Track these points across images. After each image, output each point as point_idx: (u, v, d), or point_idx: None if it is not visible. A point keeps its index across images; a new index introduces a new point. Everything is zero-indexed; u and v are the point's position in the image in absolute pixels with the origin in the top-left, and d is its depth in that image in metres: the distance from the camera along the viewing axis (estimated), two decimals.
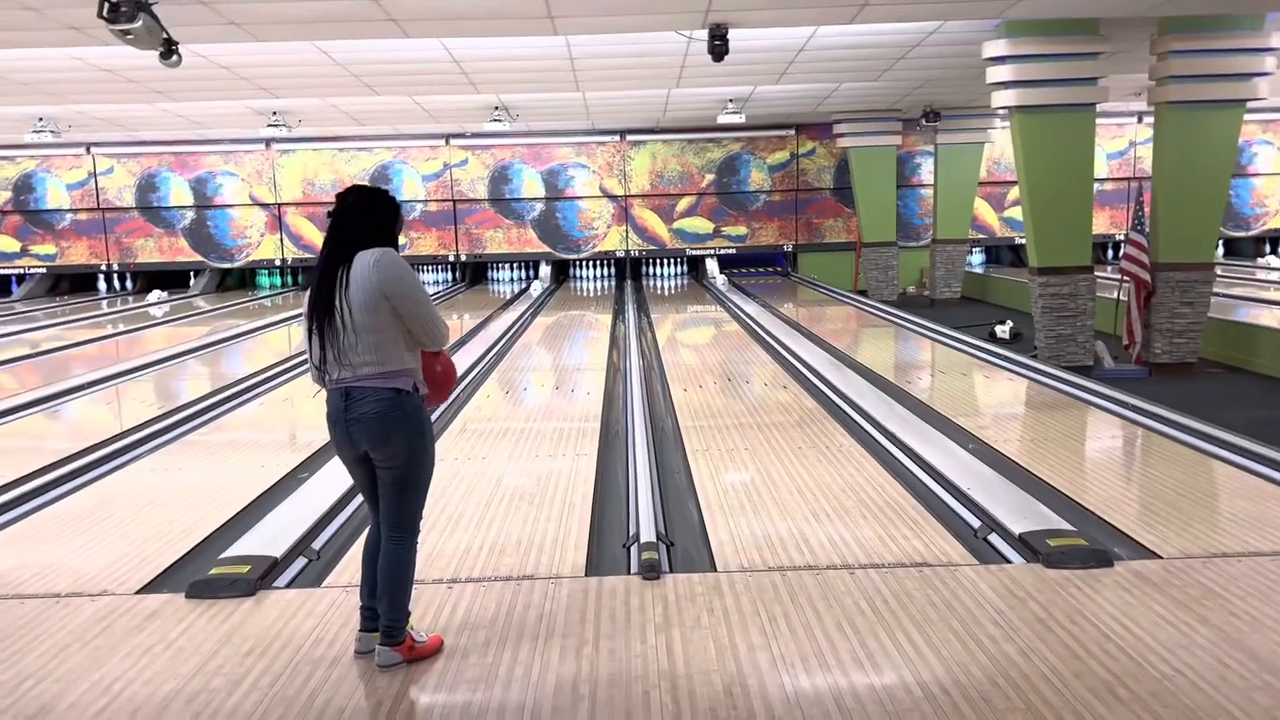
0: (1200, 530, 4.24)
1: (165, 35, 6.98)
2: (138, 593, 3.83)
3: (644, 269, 18.57)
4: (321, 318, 3.02)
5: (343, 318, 3.00)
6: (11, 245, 17.77)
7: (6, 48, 8.50)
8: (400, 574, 3.14)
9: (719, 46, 8.20)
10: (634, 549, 4.15)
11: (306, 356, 3.16)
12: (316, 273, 3.09)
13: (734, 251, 18.25)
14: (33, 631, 3.49)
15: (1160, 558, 3.92)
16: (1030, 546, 3.98)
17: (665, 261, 18.60)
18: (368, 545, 3.26)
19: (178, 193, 17.63)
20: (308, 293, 3.12)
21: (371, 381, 3.03)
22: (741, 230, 18.11)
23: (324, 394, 3.17)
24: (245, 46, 8.62)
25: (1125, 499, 4.88)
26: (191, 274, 18.25)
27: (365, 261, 3.02)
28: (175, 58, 7.34)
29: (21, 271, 17.97)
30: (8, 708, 2.95)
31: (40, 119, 13.42)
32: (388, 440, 3.05)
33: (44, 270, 17.95)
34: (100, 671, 3.16)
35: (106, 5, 6.42)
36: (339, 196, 3.15)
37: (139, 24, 6.51)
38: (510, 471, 5.52)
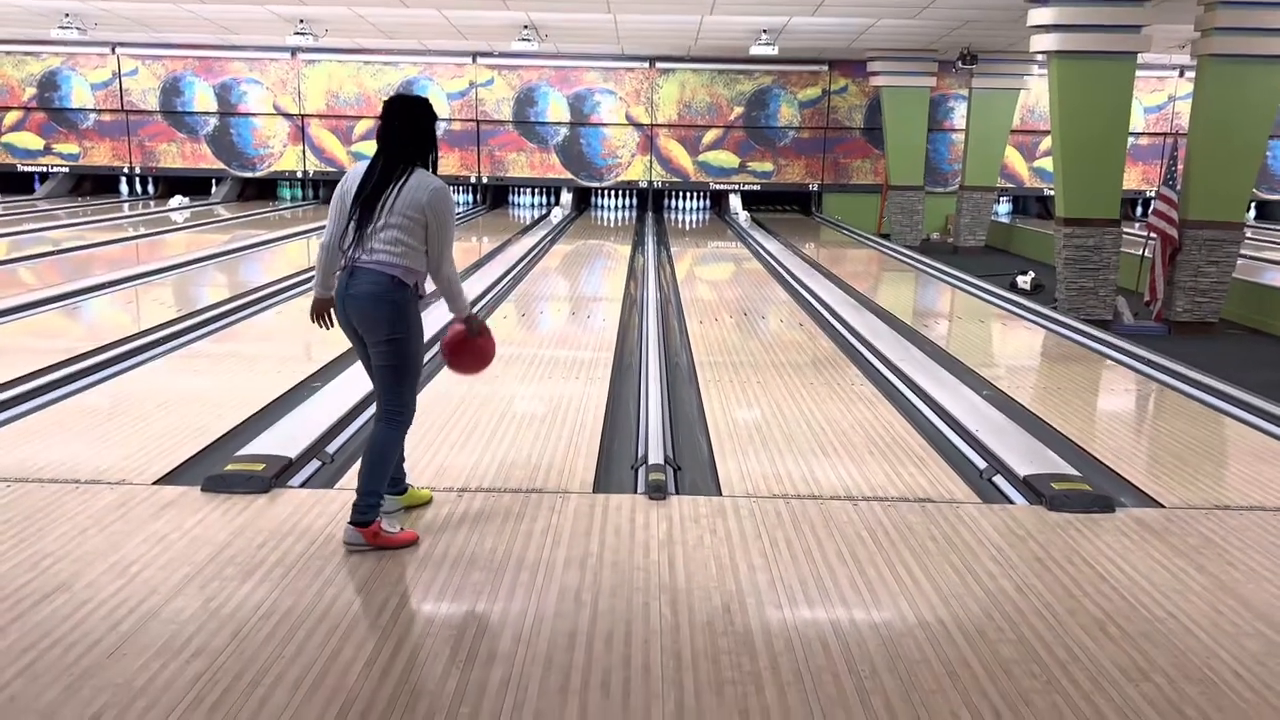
0: (1205, 483, 4.26)
1: None
2: (155, 483, 3.92)
3: (666, 201, 18.41)
4: (368, 205, 3.28)
5: (383, 209, 3.26)
6: (35, 143, 17.75)
7: None
8: (384, 452, 3.36)
9: None
10: (641, 470, 4.20)
11: (329, 231, 3.38)
12: (372, 168, 3.33)
13: (759, 188, 18.07)
14: (53, 514, 3.58)
15: (1163, 507, 3.95)
16: (1034, 489, 4.01)
17: (688, 195, 18.43)
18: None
19: (202, 98, 17.52)
20: (349, 179, 3.37)
21: (377, 265, 3.26)
22: (768, 166, 17.90)
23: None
24: None
25: (1134, 450, 4.89)
26: (213, 181, 18.23)
27: (423, 182, 3.30)
28: None
29: (45, 169, 17.98)
30: (28, 583, 3.05)
31: (66, 15, 13.30)
32: (376, 320, 3.28)
33: (67, 170, 17.95)
34: (118, 554, 3.25)
35: None
36: (388, 103, 3.40)
37: None
38: (522, 394, 5.56)
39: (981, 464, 4.46)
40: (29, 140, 17.75)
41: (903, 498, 3.96)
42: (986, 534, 3.60)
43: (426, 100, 3.43)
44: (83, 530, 3.44)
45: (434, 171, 3.39)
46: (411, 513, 3.65)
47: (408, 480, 3.71)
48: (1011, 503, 4.00)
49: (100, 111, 17.59)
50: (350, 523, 3.32)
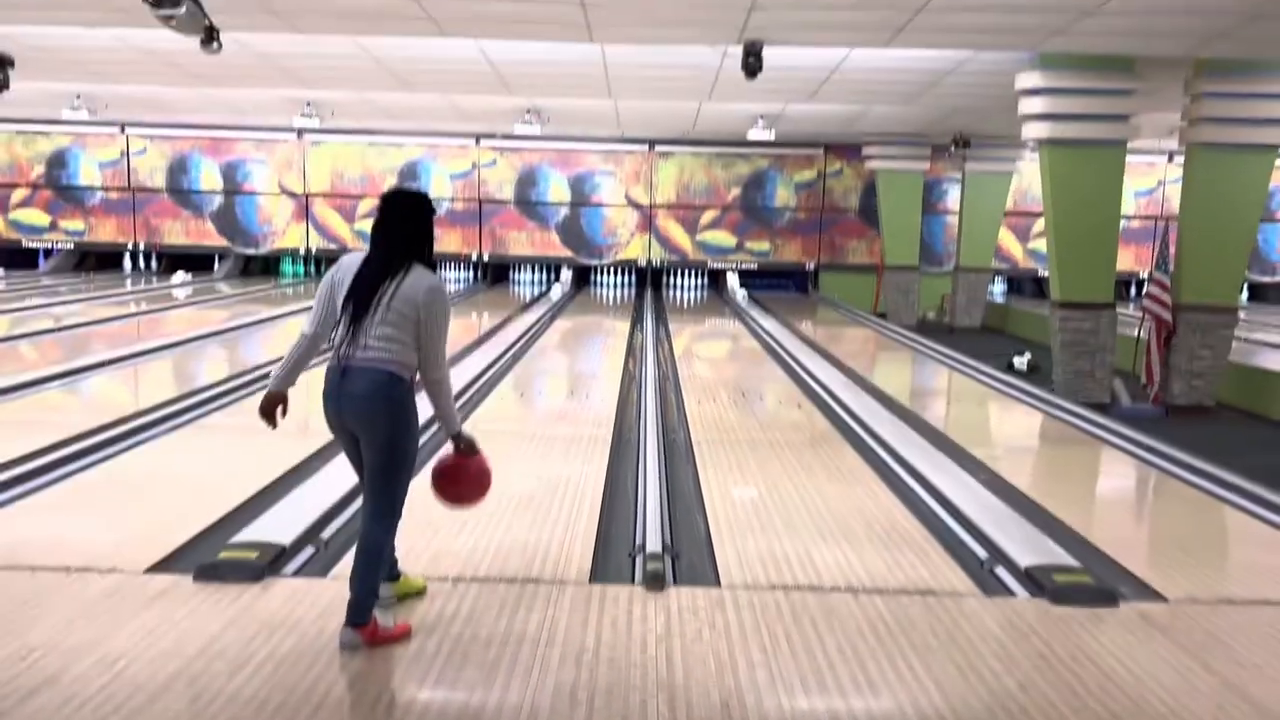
0: (1209, 575, 4.22)
1: (208, 22, 7.07)
2: (146, 571, 3.87)
3: (665, 279, 18.60)
4: (363, 300, 3.22)
5: (378, 305, 3.21)
6: (42, 219, 17.97)
7: (52, 24, 8.62)
8: (374, 553, 3.27)
9: (753, 64, 8.22)
10: (639, 558, 4.16)
11: (313, 319, 3.36)
12: (368, 262, 3.29)
13: (755, 266, 18.27)
14: (43, 602, 3.54)
15: (1166, 600, 3.90)
16: (1036, 581, 3.97)
17: (686, 272, 18.62)
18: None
19: (208, 177, 17.80)
20: (341, 269, 3.33)
21: (373, 363, 3.20)
22: (765, 246, 18.12)
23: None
24: (284, 37, 8.70)
25: (1134, 539, 4.86)
26: (216, 258, 18.41)
27: (420, 280, 3.26)
28: (216, 44, 7.43)
29: (50, 246, 18.17)
30: (13, 678, 2.99)
31: (78, 96, 13.58)
32: (373, 421, 3.21)
33: (71, 246, 18.14)
34: (105, 647, 3.20)
35: None
36: (387, 198, 3.38)
37: (182, 10, 6.60)
38: (520, 474, 5.53)
39: (982, 553, 4.42)
40: (35, 217, 17.97)
41: (903, 589, 3.91)
42: (989, 629, 3.55)
43: (426, 195, 3.43)
44: (71, 621, 3.39)
45: (431, 267, 3.34)
46: (405, 602, 3.61)
47: (400, 567, 3.66)
48: (1013, 595, 3.95)
49: (107, 189, 17.85)
50: (346, 624, 3.22)
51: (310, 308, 3.43)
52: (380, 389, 3.20)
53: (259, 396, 3.53)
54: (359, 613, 3.22)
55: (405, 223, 3.31)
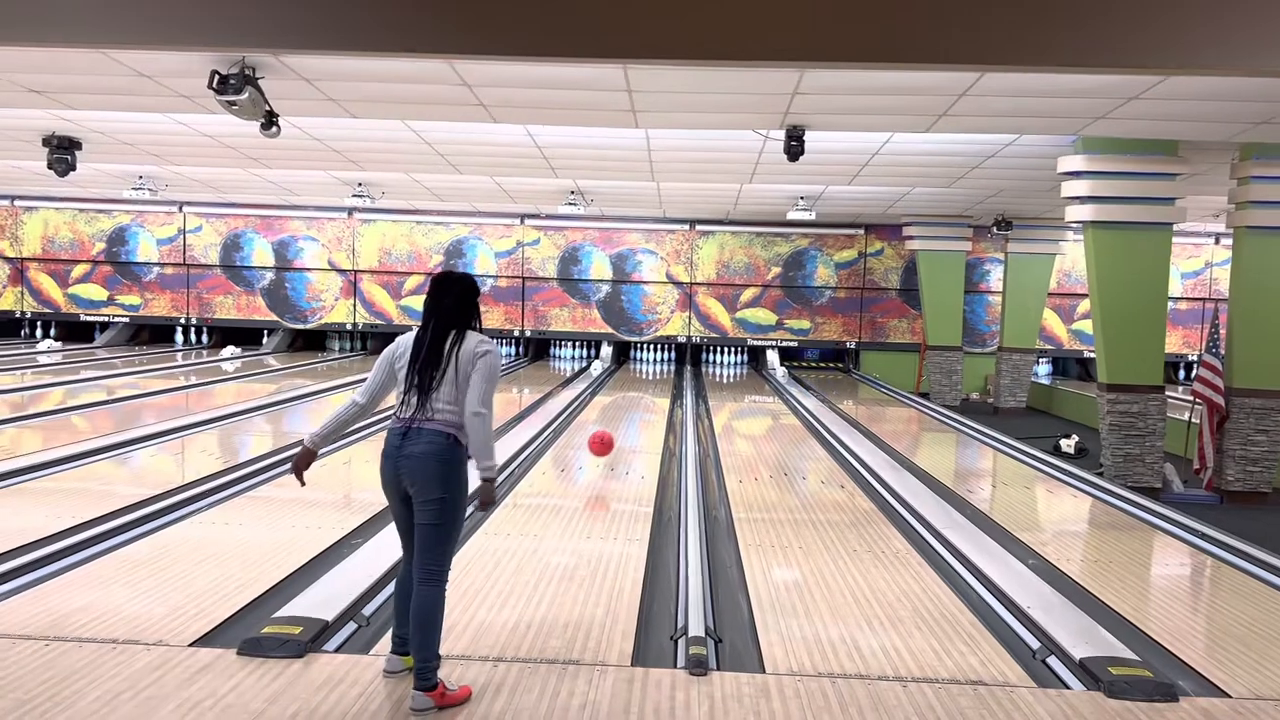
0: (1273, 670, 4.06)
1: (268, 108, 7.35)
2: (191, 645, 3.89)
3: (704, 355, 18.66)
4: (429, 367, 3.49)
5: (445, 370, 3.48)
6: (100, 294, 18.51)
7: (120, 110, 9.01)
8: (432, 615, 3.43)
9: (795, 147, 8.37)
10: (682, 642, 4.10)
11: (367, 390, 3.60)
12: (429, 331, 3.56)
13: (795, 344, 18.29)
14: (88, 676, 3.56)
15: (1229, 696, 3.76)
16: (1091, 673, 3.85)
17: (726, 349, 18.68)
18: (400, 580, 3.66)
19: (260, 253, 18.29)
20: (400, 346, 3.61)
21: (438, 425, 3.45)
22: (805, 324, 18.15)
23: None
24: (340, 121, 9.02)
25: (1192, 631, 4.70)
26: (265, 332, 18.80)
27: (474, 341, 3.55)
28: (275, 128, 7.72)
29: (106, 319, 18.69)
30: None
31: (140, 177, 14.11)
32: (429, 479, 3.41)
33: (127, 320, 18.64)
34: None
35: (217, 77, 6.81)
36: (439, 279, 3.66)
37: (245, 96, 6.88)
38: (560, 550, 5.52)
39: (1034, 643, 4.30)
40: (94, 292, 18.52)
41: (953, 679, 3.81)
42: None
43: (472, 278, 3.73)
44: (116, 695, 3.40)
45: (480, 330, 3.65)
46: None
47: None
48: (1067, 687, 3.83)
49: (163, 265, 18.39)
50: (415, 689, 3.37)
51: (364, 378, 3.68)
52: (441, 450, 3.43)
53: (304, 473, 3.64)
54: (425, 677, 3.37)
55: (458, 301, 3.58)
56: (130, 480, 7.40)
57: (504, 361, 18.02)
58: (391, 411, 3.59)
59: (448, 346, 3.50)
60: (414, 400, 3.47)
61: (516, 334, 18.38)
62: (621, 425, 11.32)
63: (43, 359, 15.72)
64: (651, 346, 18.69)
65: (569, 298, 18.21)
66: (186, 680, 3.54)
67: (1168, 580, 5.93)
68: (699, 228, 17.93)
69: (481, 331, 3.64)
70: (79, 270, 18.45)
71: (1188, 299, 17.74)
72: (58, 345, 17.57)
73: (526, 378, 15.94)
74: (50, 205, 18.11)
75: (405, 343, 3.61)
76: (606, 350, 18.43)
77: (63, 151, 10.61)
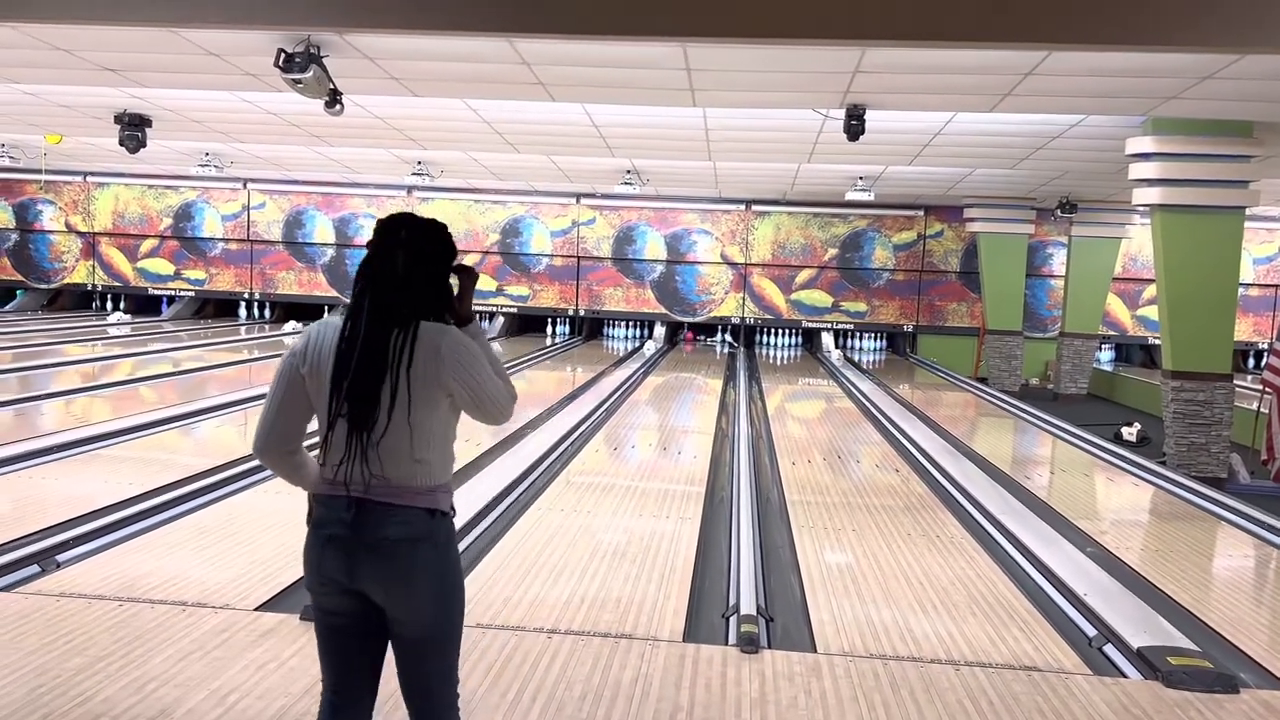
0: None
1: (332, 86, 7.46)
2: (256, 609, 4.02)
3: (758, 337, 18.59)
4: (363, 397, 2.12)
5: (390, 403, 2.12)
6: (167, 268, 18.99)
7: (189, 88, 9.21)
8: None
9: (855, 126, 8.26)
10: (733, 620, 4.13)
11: (266, 430, 2.28)
12: (354, 333, 2.16)
13: (851, 327, 18.12)
14: (160, 635, 3.70)
15: None
16: (1149, 662, 3.80)
17: (780, 331, 18.58)
18: None
19: (321, 230, 18.59)
20: (310, 344, 2.23)
21: (401, 498, 2.15)
22: (861, 306, 17.97)
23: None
24: (402, 100, 9.12)
25: (1254, 622, 4.61)
26: (326, 308, 19.13)
27: (431, 342, 2.16)
28: (338, 107, 7.84)
29: (172, 293, 19.18)
30: (132, 706, 3.13)
31: (206, 154, 14.42)
32: (412, 581, 2.15)
33: (192, 294, 19.11)
34: (218, 681, 3.32)
35: (283, 55, 6.93)
36: (385, 224, 2.24)
37: (310, 74, 6.99)
38: (612, 528, 5.57)
39: (1091, 631, 4.25)
40: (161, 266, 19.00)
41: (1008, 664, 3.79)
42: (1098, 710, 3.41)
43: (443, 226, 2.29)
44: (186, 655, 3.53)
45: (452, 321, 2.27)
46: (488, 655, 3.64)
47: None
48: (1124, 676, 3.79)
49: (228, 240, 18.79)
50: None
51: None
52: (419, 532, 2.15)
53: None
54: None
55: (413, 263, 2.20)
56: (196, 450, 7.61)
57: (559, 341, 18.13)
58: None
59: (394, 355, 2.12)
60: (351, 446, 2.11)
61: (571, 313, 18.47)
62: (674, 405, 11.35)
63: (113, 330, 16.21)
64: (705, 327, 18.69)
65: (623, 277, 18.24)
66: (252, 643, 3.66)
67: (1230, 571, 5.81)
68: (755, 208, 17.81)
69: (464, 322, 2.28)
70: (147, 245, 18.93)
71: (1259, 285, 17.21)
72: (127, 318, 18.08)
73: (580, 357, 16.04)
74: (120, 181, 18.58)
75: (318, 342, 2.21)
76: (660, 330, 18.45)
77: (134, 128, 10.87)
